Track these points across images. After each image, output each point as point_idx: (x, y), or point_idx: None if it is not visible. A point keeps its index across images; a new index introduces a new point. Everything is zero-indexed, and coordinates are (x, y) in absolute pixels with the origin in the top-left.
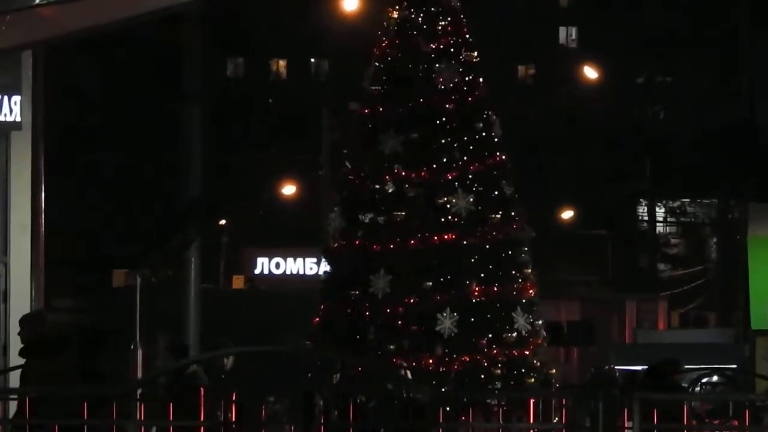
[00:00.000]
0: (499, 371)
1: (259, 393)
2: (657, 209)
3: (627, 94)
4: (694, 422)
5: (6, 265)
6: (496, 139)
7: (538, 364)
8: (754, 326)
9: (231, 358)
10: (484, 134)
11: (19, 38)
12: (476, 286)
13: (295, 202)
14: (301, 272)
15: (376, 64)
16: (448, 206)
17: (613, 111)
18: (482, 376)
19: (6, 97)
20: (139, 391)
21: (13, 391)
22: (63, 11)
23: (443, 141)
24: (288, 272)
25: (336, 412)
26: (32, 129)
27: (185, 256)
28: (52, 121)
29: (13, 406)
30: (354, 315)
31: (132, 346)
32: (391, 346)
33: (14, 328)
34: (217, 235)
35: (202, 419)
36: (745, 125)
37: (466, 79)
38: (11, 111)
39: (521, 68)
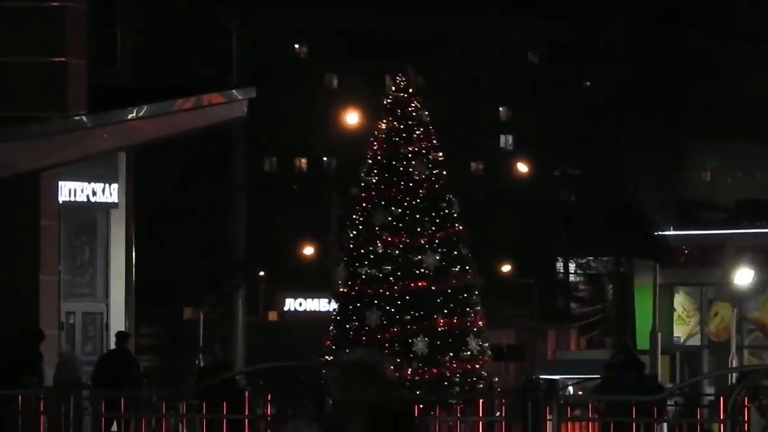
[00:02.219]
0: (457, 380)
1: (287, 396)
2: (570, 264)
3: (548, 182)
4: (596, 415)
5: (107, 305)
6: (455, 214)
7: (485, 374)
8: (638, 347)
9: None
10: (446, 211)
11: (116, 143)
12: (441, 319)
13: (312, 259)
14: (317, 309)
15: (369, 161)
16: (421, 262)
17: (539, 195)
18: (445, 383)
19: (108, 185)
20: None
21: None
22: (146, 124)
23: (417, 216)
24: (308, 309)
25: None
26: (125, 207)
27: (234, 298)
28: (139, 202)
29: None
30: (354, 339)
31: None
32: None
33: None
34: (256, 282)
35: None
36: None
37: (434, 172)
38: (111, 194)
39: (473, 164)
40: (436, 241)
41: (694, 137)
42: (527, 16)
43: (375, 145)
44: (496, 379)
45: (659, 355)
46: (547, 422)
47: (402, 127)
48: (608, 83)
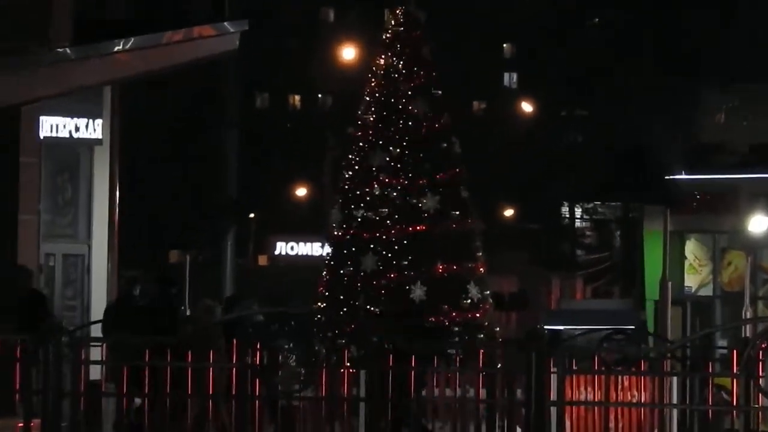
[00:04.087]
0: (457, 329)
1: (277, 344)
2: (575, 209)
3: (553, 123)
4: (603, 368)
5: (90, 247)
6: (456, 156)
7: (486, 324)
8: (647, 297)
9: (258, 316)
10: (447, 152)
11: (101, 77)
12: (440, 265)
13: (306, 201)
14: (310, 253)
15: (367, 98)
16: (420, 205)
17: (544, 136)
18: (444, 332)
19: (91, 121)
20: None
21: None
22: (134, 57)
23: (416, 157)
24: (300, 253)
25: (334, 359)
26: (110, 144)
27: (224, 240)
28: (124, 139)
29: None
30: (349, 286)
31: (182, 307)
32: (376, 310)
33: (95, 293)
34: (247, 224)
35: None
36: (643, 148)
37: (435, 110)
38: (95, 131)
39: (475, 103)
40: (436, 183)
41: (708, 79)
42: None
43: (373, 82)
44: (498, 329)
45: (669, 306)
46: (551, 375)
47: (401, 63)
48: (619, 21)
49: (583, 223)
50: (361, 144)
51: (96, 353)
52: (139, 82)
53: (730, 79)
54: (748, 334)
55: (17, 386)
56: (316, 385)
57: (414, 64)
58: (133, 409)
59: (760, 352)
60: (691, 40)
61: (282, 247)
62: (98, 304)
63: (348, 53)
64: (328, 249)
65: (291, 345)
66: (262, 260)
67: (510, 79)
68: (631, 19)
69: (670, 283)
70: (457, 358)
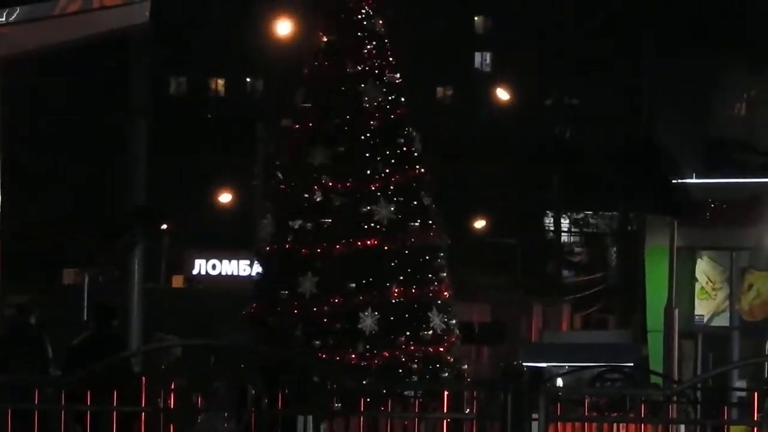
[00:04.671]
0: (416, 366)
1: (197, 383)
2: (563, 220)
3: (536, 114)
4: (594, 414)
5: None
6: (416, 154)
7: (452, 360)
8: (649, 328)
9: (177, 350)
10: (405, 149)
11: None
12: (396, 288)
13: (230, 208)
14: (236, 273)
15: (307, 83)
16: (372, 214)
17: (524, 129)
18: (400, 371)
19: None
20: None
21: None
22: (20, 30)
23: (368, 154)
24: (223, 273)
25: (266, 401)
26: None
27: (130, 257)
28: (9, 128)
29: None
30: (283, 313)
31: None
32: (317, 342)
33: None
34: (159, 238)
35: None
36: (644, 144)
37: (389, 98)
38: None
39: (440, 89)
40: (391, 187)
41: (726, 61)
42: None
43: (313, 64)
44: (466, 366)
45: (676, 338)
46: (531, 422)
47: (348, 40)
48: None
49: (572, 238)
50: (299, 139)
51: None
52: (25, 62)
53: (756, 60)
54: None
55: None
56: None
57: (364, 41)
58: None
59: None
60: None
61: (201, 266)
62: None
63: (283, 28)
64: (258, 268)
65: (213, 384)
66: (177, 281)
67: (482, 59)
68: None
69: (677, 311)
70: (417, 402)
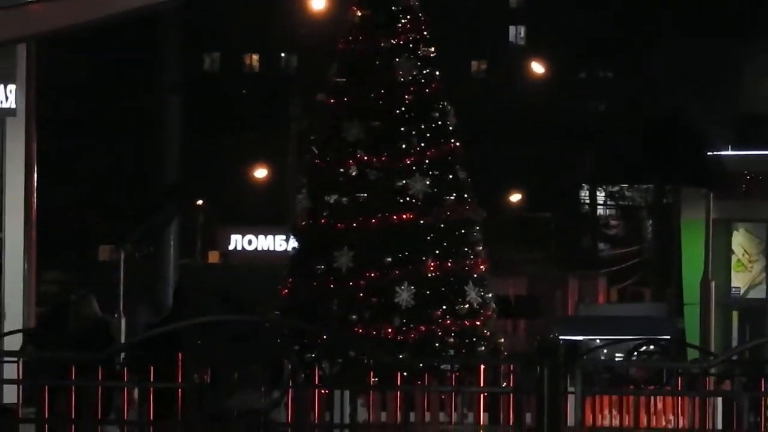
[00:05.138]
0: (452, 340)
1: (232, 359)
2: (597, 193)
3: (570, 88)
4: (631, 387)
5: (2, 241)
6: (450, 128)
7: (488, 333)
8: (685, 301)
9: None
10: (440, 123)
11: (12, 33)
12: (432, 262)
13: (266, 184)
14: (272, 248)
15: (341, 58)
16: (407, 189)
17: (559, 104)
18: (437, 345)
19: (2, 86)
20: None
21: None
22: (51, 9)
23: (402, 129)
24: (259, 248)
25: (302, 377)
26: (26, 115)
27: (165, 233)
28: (43, 109)
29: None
30: (319, 288)
31: (116, 315)
32: (353, 317)
33: (9, 297)
34: (193, 214)
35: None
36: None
37: (424, 72)
38: (7, 98)
39: (474, 63)
40: (426, 161)
41: (761, 34)
42: None
43: (347, 38)
44: (502, 340)
45: (712, 311)
46: (568, 395)
47: (382, 14)
48: None
49: (607, 211)
50: (333, 114)
51: (11, 371)
52: (59, 40)
53: None
54: None
55: None
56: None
57: (398, 15)
58: None
59: None
60: None
61: (237, 241)
62: (13, 310)
63: (317, 2)
64: (293, 243)
65: (250, 360)
66: (213, 257)
67: (517, 33)
68: None
69: (713, 283)
70: (453, 376)
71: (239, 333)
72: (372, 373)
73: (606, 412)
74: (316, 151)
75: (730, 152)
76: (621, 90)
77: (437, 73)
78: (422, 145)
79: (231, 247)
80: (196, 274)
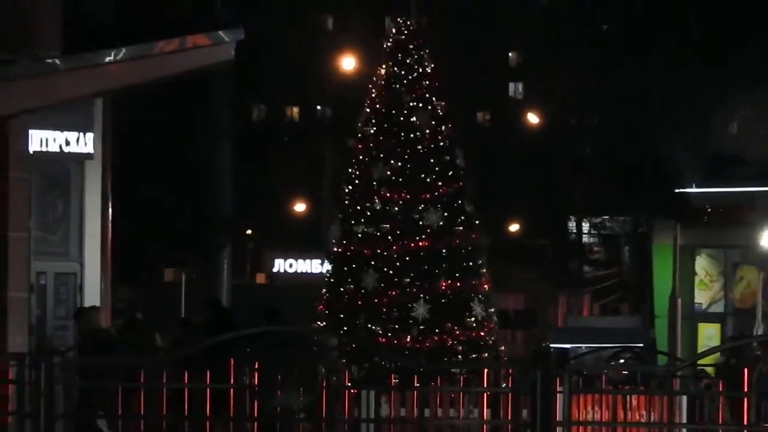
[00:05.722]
0: (460, 348)
1: (276, 364)
2: (583, 224)
3: (561, 134)
4: (610, 387)
5: (82, 265)
6: (460, 169)
7: (491, 342)
8: (656, 314)
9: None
10: (450, 164)
11: (92, 88)
12: (443, 282)
13: (304, 216)
14: (309, 271)
15: (367, 110)
16: (423, 220)
17: (551, 147)
18: (447, 352)
19: (82, 134)
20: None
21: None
22: (126, 68)
23: (419, 170)
24: (299, 270)
25: (334, 379)
26: (102, 159)
27: (220, 258)
28: (116, 153)
29: None
30: (348, 304)
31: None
32: (377, 328)
33: None
34: (244, 241)
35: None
36: (652, 159)
37: (437, 122)
38: (86, 144)
39: (480, 114)
40: (439, 197)
41: (723, 85)
42: None
43: (373, 93)
44: (503, 347)
45: (679, 323)
46: (557, 394)
47: (403, 73)
48: (629, 27)
49: (592, 238)
50: (361, 157)
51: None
52: (131, 94)
53: (749, 83)
54: (758, 352)
55: (9, 408)
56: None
57: (416, 73)
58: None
59: None
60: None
61: (280, 265)
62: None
63: (348, 63)
64: (327, 266)
65: (290, 365)
66: (260, 278)
67: (515, 88)
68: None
69: (680, 299)
70: (461, 378)
71: (283, 342)
72: (393, 376)
73: (589, 408)
74: (347, 189)
75: (694, 189)
76: (604, 136)
77: (449, 123)
78: (436, 183)
79: (275, 270)
80: (246, 292)
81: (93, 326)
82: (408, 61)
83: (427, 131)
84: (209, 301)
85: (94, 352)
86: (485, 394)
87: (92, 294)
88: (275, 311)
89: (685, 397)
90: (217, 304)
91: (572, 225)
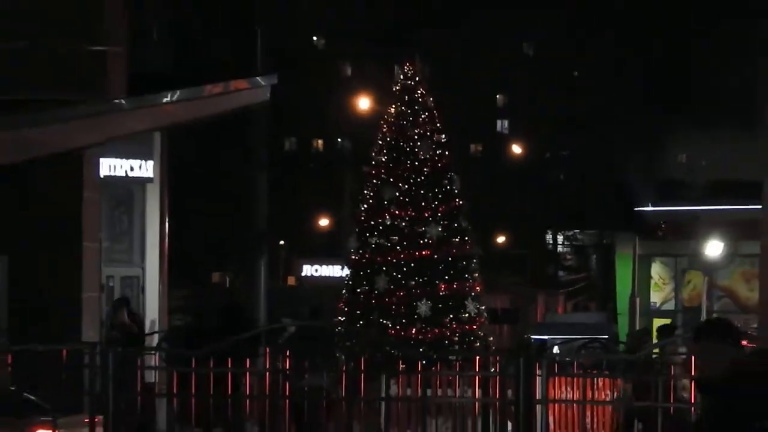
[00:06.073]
0: (456, 339)
1: (304, 353)
2: (558, 236)
3: (539, 162)
4: (580, 371)
5: (143, 269)
6: (456, 191)
7: (482, 335)
8: (618, 311)
9: (291, 329)
10: (448, 187)
11: (151, 124)
12: (443, 284)
13: (328, 230)
14: (332, 275)
15: (379, 142)
16: (425, 233)
17: (531, 174)
18: (446, 342)
19: (144, 162)
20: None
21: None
22: (179, 107)
23: (422, 191)
24: (323, 275)
25: (352, 365)
26: (160, 182)
27: (257, 264)
28: (172, 177)
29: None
30: (364, 302)
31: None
32: (387, 323)
33: (149, 309)
34: (278, 250)
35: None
36: (615, 183)
37: (437, 152)
38: (147, 170)
39: (473, 146)
40: (439, 214)
41: (673, 125)
42: (522, 10)
43: (384, 128)
44: (492, 339)
45: (637, 318)
46: (537, 378)
47: (409, 111)
48: (600, 74)
49: (565, 249)
50: (374, 181)
51: (150, 360)
52: (183, 129)
53: (693, 124)
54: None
55: (84, 388)
56: (336, 386)
57: (419, 112)
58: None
59: None
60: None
61: (308, 270)
62: (151, 317)
63: (363, 103)
64: (346, 271)
65: (317, 353)
66: (291, 281)
67: (502, 125)
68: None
69: (638, 299)
70: (457, 364)
71: (310, 334)
72: (400, 362)
73: (563, 388)
74: (362, 207)
75: (650, 208)
76: (575, 165)
77: (446, 152)
78: (436, 202)
79: (303, 274)
80: (279, 292)
81: (120, 321)
82: (413, 101)
83: (429, 160)
84: (223, 308)
85: (121, 343)
86: (477, 378)
87: (152, 294)
88: (317, 308)
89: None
90: (230, 309)
91: (549, 237)
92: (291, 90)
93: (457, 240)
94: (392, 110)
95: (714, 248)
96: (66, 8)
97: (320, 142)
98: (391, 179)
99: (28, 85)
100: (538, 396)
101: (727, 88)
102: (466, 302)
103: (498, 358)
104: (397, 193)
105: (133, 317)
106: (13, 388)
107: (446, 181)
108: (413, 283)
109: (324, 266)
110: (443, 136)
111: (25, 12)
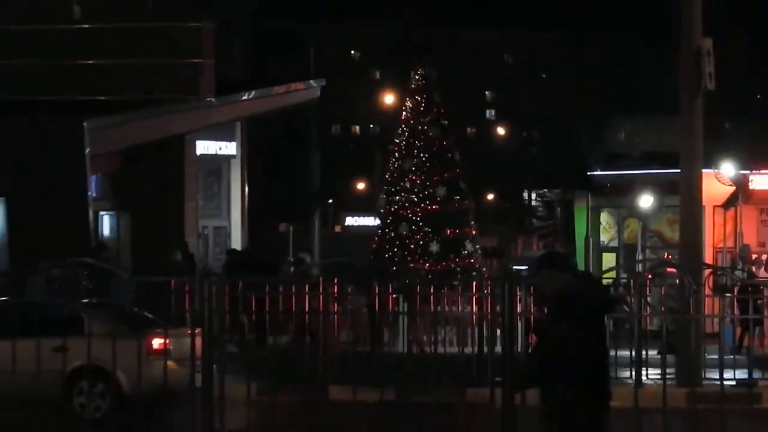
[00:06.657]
0: (459, 270)
1: (347, 281)
2: (533, 194)
3: (519, 141)
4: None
5: (230, 222)
6: (457, 162)
7: (477, 267)
8: (577, 248)
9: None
10: (451, 159)
11: (234, 116)
12: (448, 230)
13: (364, 191)
14: (367, 224)
15: (401, 126)
16: (435, 193)
17: (513, 149)
18: (451, 273)
19: (228, 143)
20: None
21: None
22: (254, 103)
23: (432, 162)
24: (361, 224)
25: (382, 288)
26: (241, 158)
27: (313, 217)
28: (249, 155)
29: None
30: (390, 244)
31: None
32: (408, 258)
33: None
34: (328, 207)
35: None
36: (574, 155)
37: (442, 133)
38: (231, 149)
39: (468, 128)
40: (444, 179)
41: (616, 112)
42: (509, 29)
43: (404, 116)
44: (484, 269)
45: (591, 253)
46: (517, 297)
47: (421, 104)
48: (566, 78)
49: (537, 203)
50: (396, 155)
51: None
52: (257, 119)
53: (630, 111)
54: (639, 269)
55: (188, 308)
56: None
57: (429, 104)
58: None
59: (647, 281)
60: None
61: (349, 221)
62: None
63: (388, 98)
64: (378, 221)
65: (357, 283)
66: (338, 229)
67: (490, 113)
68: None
69: (591, 239)
70: (459, 288)
71: (350, 268)
72: (418, 287)
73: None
74: (388, 175)
75: (599, 172)
76: (545, 142)
77: (450, 133)
78: (442, 170)
79: (347, 224)
80: (329, 238)
81: (174, 260)
82: (425, 96)
83: (436, 139)
84: (243, 260)
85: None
86: (474, 297)
87: (236, 240)
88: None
89: None
90: (252, 256)
91: (525, 195)
92: (335, 89)
93: (458, 198)
94: (409, 103)
95: (646, 201)
96: (173, 34)
97: (357, 127)
98: (409, 154)
99: (144, 88)
100: (518, 310)
101: (659, 83)
102: (465, 243)
103: (489, 283)
104: (414, 164)
105: (189, 257)
106: (136, 309)
107: (449, 155)
108: (427, 229)
109: (362, 218)
110: (446, 121)
111: (145, 35)
